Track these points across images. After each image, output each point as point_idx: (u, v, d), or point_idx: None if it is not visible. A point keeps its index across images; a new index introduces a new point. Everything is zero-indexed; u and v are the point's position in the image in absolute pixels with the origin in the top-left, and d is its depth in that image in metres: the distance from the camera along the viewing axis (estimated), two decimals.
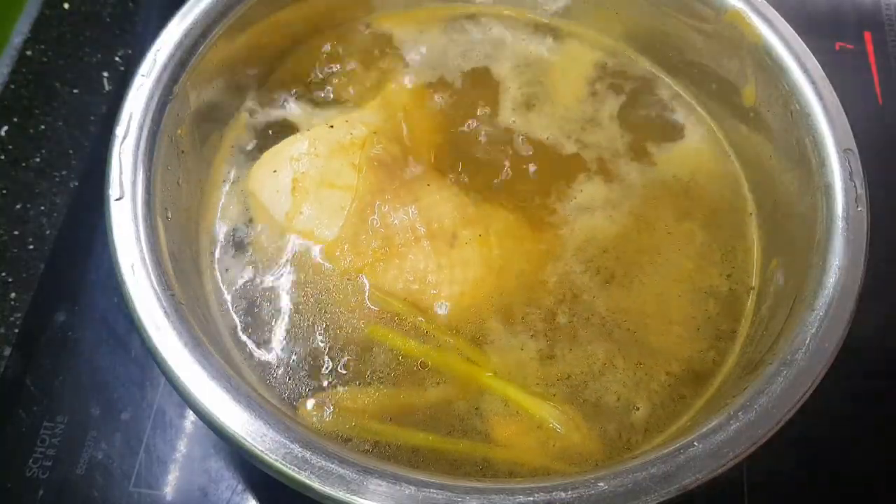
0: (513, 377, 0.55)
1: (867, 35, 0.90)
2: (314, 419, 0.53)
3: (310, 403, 0.54)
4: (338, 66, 0.70)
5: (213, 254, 0.59)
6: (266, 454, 0.42)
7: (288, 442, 0.43)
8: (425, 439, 0.52)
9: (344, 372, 0.55)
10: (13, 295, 0.70)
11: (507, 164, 0.65)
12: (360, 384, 0.54)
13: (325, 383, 0.54)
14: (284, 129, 0.66)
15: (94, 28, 0.86)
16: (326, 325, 0.57)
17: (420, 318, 0.56)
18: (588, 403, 0.54)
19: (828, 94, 0.57)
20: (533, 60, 0.72)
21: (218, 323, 0.56)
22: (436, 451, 0.52)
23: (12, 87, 0.80)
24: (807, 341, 0.48)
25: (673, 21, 0.67)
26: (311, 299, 0.58)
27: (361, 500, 0.41)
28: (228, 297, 0.58)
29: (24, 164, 0.76)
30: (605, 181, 0.65)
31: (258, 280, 0.58)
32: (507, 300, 0.58)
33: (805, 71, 0.58)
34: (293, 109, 0.67)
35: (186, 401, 0.45)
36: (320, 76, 0.69)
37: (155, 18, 0.87)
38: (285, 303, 0.57)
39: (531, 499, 0.41)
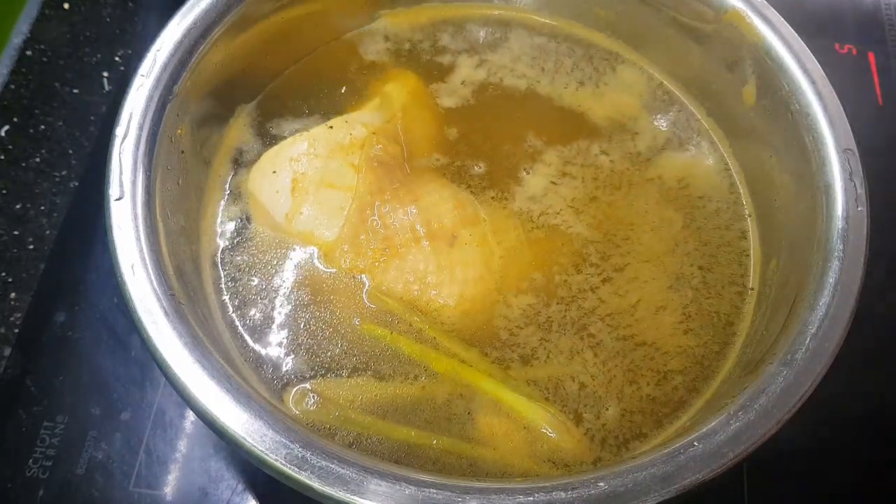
0: (506, 379, 0.55)
1: (867, 35, 0.90)
2: (298, 407, 0.53)
3: (295, 391, 0.54)
4: (338, 65, 0.70)
5: (213, 254, 0.59)
6: (266, 454, 0.42)
7: (288, 442, 0.43)
8: (408, 434, 0.52)
9: (337, 367, 0.55)
10: (13, 295, 0.70)
11: (507, 164, 0.65)
12: (348, 376, 0.54)
13: (316, 375, 0.54)
14: (284, 129, 0.66)
15: (94, 28, 0.86)
16: (324, 323, 0.57)
17: (416, 318, 0.56)
18: (581, 408, 0.54)
19: (828, 94, 0.57)
20: (531, 60, 0.71)
21: (218, 323, 0.56)
22: (420, 447, 0.52)
23: (12, 87, 0.80)
24: (807, 341, 0.48)
25: (672, 20, 0.67)
26: (311, 299, 0.57)
27: (361, 500, 0.41)
28: (228, 297, 0.58)
29: (24, 164, 0.76)
30: (606, 183, 0.65)
31: (258, 280, 0.58)
32: (506, 301, 0.58)
33: (805, 71, 0.58)
34: (293, 110, 0.67)
35: (186, 401, 0.45)
36: (320, 76, 0.69)
37: (155, 18, 0.87)
38: (285, 302, 0.57)
39: (531, 499, 0.41)
